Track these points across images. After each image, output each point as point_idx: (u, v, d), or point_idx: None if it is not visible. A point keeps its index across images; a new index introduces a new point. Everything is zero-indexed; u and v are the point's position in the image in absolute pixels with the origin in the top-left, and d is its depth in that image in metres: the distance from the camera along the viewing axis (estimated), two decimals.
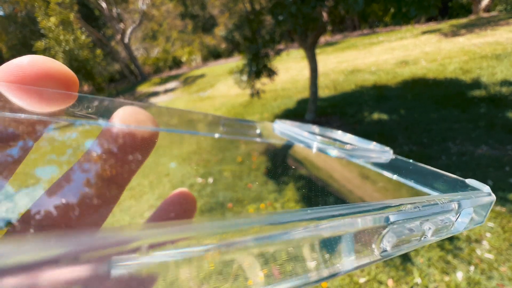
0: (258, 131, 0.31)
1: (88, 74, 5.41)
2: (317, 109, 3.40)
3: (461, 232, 0.18)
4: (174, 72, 12.72)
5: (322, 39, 10.07)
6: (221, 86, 7.02)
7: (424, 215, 0.16)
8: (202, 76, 9.38)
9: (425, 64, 4.65)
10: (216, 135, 0.25)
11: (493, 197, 0.19)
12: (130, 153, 0.17)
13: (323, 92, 4.46)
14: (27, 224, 0.14)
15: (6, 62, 0.13)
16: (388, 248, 0.14)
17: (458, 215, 0.18)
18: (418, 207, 0.15)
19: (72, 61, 5.16)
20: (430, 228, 0.16)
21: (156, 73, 13.69)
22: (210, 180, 2.55)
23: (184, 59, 13.83)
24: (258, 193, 2.21)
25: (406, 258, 1.41)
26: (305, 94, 4.45)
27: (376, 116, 3.20)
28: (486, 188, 0.20)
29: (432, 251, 1.41)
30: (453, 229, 0.18)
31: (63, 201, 0.15)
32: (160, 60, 13.97)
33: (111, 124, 0.16)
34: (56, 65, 0.13)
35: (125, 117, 0.17)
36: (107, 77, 10.74)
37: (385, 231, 0.14)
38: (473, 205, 0.18)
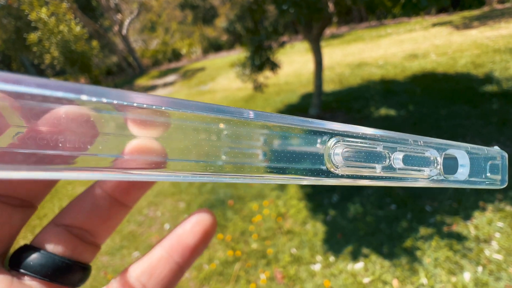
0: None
1: (84, 66, 5.40)
2: (322, 104, 3.39)
3: (463, 183, 0.20)
4: (173, 65, 12.68)
5: (328, 31, 9.98)
6: (222, 80, 7.00)
7: (384, 141, 0.17)
8: (202, 69, 9.35)
9: (435, 58, 4.60)
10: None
11: (503, 153, 0.20)
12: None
13: (328, 86, 4.44)
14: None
15: (50, 112, 0.14)
16: (339, 163, 0.16)
17: (442, 155, 0.19)
18: (377, 137, 0.17)
19: (67, 53, 5.15)
20: (397, 157, 0.18)
21: (155, 66, 13.66)
22: None
23: (183, 51, 13.78)
24: (260, 190, 2.21)
25: (412, 257, 1.42)
26: (309, 88, 4.42)
27: (383, 111, 3.18)
28: (496, 147, 0.21)
29: (439, 251, 1.41)
30: (451, 177, 0.20)
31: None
32: (159, 53, 13.92)
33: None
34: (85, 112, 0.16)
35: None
36: (104, 70, 10.72)
37: (331, 142, 0.16)
38: (465, 150, 0.20)
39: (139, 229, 2.10)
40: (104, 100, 0.12)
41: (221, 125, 0.15)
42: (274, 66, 3.19)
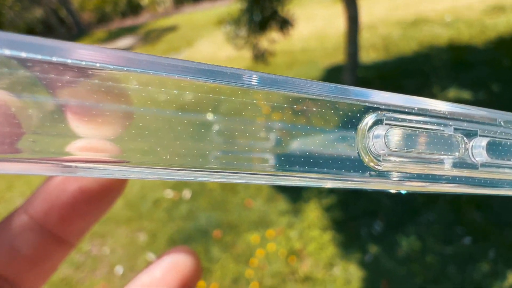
0: None
1: None
2: (357, 82, 3.39)
3: None
4: (129, 22, 12.66)
5: None
6: (204, 45, 6.99)
7: (454, 118, 0.17)
8: (173, 28, 9.35)
9: None
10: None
11: None
12: (84, 207, 0.22)
13: (367, 55, 4.43)
14: None
15: None
16: (383, 154, 0.16)
17: None
18: (445, 113, 0.17)
19: None
20: (478, 146, 0.17)
21: (101, 24, 13.66)
22: (187, 193, 2.55)
23: (145, 1, 13.78)
24: (262, 214, 2.21)
25: None
26: (339, 58, 4.42)
27: (452, 93, 3.19)
28: None
29: None
30: None
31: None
32: (107, 3, 13.93)
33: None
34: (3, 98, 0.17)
35: None
36: (23, 29, 10.72)
37: (367, 120, 0.16)
38: None
39: (77, 274, 2.09)
40: (24, 54, 0.12)
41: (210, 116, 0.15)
42: (284, 24, 3.19)
